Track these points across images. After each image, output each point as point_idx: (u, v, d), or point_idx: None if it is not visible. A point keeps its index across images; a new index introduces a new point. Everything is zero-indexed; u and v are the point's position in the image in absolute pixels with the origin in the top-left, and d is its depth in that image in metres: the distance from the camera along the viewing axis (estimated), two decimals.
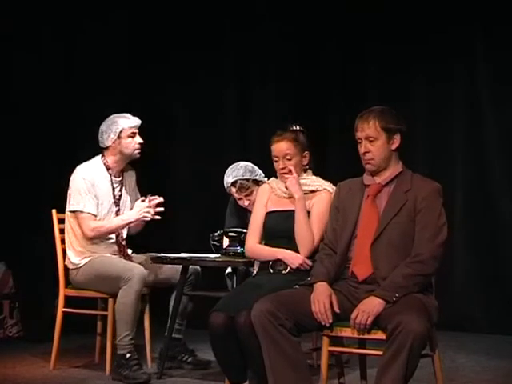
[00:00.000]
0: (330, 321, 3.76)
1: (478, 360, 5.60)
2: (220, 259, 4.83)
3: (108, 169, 5.23)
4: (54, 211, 5.36)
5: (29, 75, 6.50)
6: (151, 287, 5.23)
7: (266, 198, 4.46)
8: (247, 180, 5.05)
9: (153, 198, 5.14)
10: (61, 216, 5.37)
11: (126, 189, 5.30)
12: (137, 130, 5.22)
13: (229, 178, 5.10)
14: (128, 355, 4.94)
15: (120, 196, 5.26)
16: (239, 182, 5.06)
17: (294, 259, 4.27)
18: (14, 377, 5.17)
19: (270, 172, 4.67)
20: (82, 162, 5.22)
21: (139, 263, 5.13)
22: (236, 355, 4.21)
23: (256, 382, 4.19)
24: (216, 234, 5.05)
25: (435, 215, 3.82)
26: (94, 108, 6.76)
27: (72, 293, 5.29)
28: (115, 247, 5.21)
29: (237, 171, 5.09)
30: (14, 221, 6.40)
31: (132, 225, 5.24)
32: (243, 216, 5.11)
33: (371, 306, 3.68)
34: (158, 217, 5.15)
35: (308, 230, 4.26)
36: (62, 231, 5.36)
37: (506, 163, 6.68)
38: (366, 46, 7.13)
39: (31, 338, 6.36)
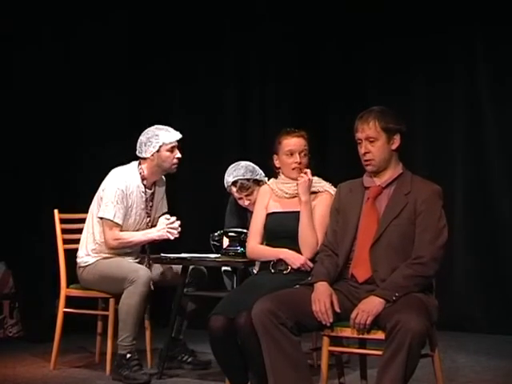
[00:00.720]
0: (331, 320, 3.76)
1: (478, 360, 5.60)
2: (220, 259, 4.84)
3: (143, 179, 5.18)
4: (55, 211, 5.37)
5: (29, 75, 6.50)
6: (160, 287, 5.22)
7: (267, 199, 4.46)
8: (248, 180, 5.05)
9: (170, 220, 5.13)
10: (62, 216, 5.37)
11: (155, 200, 5.28)
12: (176, 144, 5.17)
13: (229, 177, 5.10)
14: (128, 355, 4.95)
15: (151, 207, 5.24)
16: (240, 181, 5.06)
17: (295, 259, 4.28)
18: (14, 377, 5.17)
19: (270, 172, 4.67)
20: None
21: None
22: (237, 357, 4.21)
23: (256, 382, 4.19)
24: (216, 234, 5.06)
25: (435, 218, 3.82)
26: (94, 108, 6.78)
27: (73, 293, 5.30)
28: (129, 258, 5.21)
29: (238, 171, 5.09)
30: (14, 221, 6.39)
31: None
32: (243, 216, 5.11)
33: (371, 305, 3.68)
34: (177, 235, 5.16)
35: (312, 233, 4.26)
36: (63, 231, 5.37)
37: (506, 163, 6.68)
38: (366, 46, 7.13)
39: (31, 338, 6.37)
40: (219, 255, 4.89)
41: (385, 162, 3.92)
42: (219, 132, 7.32)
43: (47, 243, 5.77)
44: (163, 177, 5.32)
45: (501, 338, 6.39)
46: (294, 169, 4.40)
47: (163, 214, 5.24)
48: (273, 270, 4.34)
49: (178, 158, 5.18)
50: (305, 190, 4.32)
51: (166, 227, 5.12)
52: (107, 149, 6.61)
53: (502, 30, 6.64)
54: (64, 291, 5.30)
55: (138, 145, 5.19)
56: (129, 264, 5.10)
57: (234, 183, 5.07)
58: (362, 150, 3.92)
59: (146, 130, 5.20)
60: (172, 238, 5.13)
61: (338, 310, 3.77)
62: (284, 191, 4.42)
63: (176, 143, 5.17)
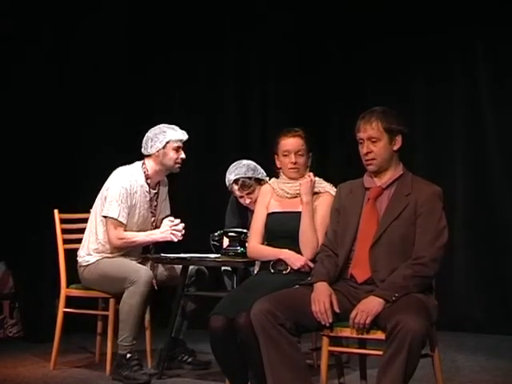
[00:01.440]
0: (330, 320, 3.76)
1: (478, 360, 5.60)
2: (220, 259, 4.84)
3: (147, 178, 5.19)
4: (56, 211, 5.37)
5: (29, 75, 6.50)
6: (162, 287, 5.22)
7: (268, 199, 4.47)
8: (249, 178, 5.06)
9: (174, 222, 5.15)
10: (62, 216, 5.37)
11: (159, 200, 5.29)
12: (182, 145, 5.19)
13: (231, 175, 5.11)
14: (128, 355, 4.95)
15: (155, 207, 5.25)
16: (241, 179, 5.07)
17: (296, 260, 4.28)
18: (14, 377, 5.17)
19: (271, 172, 4.67)
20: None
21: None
22: (236, 357, 4.21)
23: (256, 382, 4.19)
24: (216, 234, 5.06)
25: (436, 219, 3.82)
26: (94, 107, 6.78)
27: (73, 293, 5.30)
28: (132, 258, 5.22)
29: (239, 169, 5.10)
30: (14, 221, 6.39)
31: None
32: (244, 216, 5.11)
33: (370, 305, 3.68)
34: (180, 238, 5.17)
35: (313, 234, 4.27)
36: (63, 231, 5.37)
37: (506, 163, 6.68)
38: (365, 46, 7.13)
39: (31, 338, 6.37)
40: (219, 255, 4.89)
41: (386, 163, 3.92)
42: (219, 132, 7.32)
43: (47, 243, 5.77)
44: (165, 178, 5.33)
45: (501, 338, 6.39)
46: (290, 169, 4.42)
47: (166, 217, 5.25)
48: (272, 270, 4.34)
49: (182, 159, 5.19)
50: (307, 191, 4.32)
51: (170, 229, 5.12)
52: (107, 149, 6.61)
53: (502, 30, 6.64)
54: (64, 291, 5.30)
55: (143, 141, 5.19)
56: (130, 264, 5.10)
57: (236, 181, 5.08)
58: (363, 150, 3.92)
59: (153, 128, 5.21)
60: (175, 239, 5.14)
61: (337, 310, 3.77)
62: (285, 191, 4.43)
63: (181, 144, 5.18)
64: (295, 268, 4.27)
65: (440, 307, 3.83)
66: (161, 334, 5.25)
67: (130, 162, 5.25)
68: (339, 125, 7.14)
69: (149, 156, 5.18)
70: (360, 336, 3.74)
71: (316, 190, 4.38)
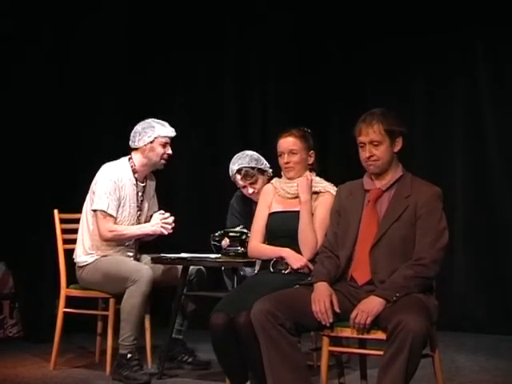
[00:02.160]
0: (331, 320, 3.76)
1: (478, 360, 5.60)
2: (220, 259, 4.84)
3: (134, 172, 5.21)
4: (55, 211, 5.37)
5: (29, 75, 6.50)
6: (158, 288, 5.22)
7: (270, 199, 4.48)
8: (252, 168, 5.09)
9: (164, 215, 5.16)
10: (62, 216, 5.37)
11: (146, 195, 5.30)
12: (169, 141, 5.22)
13: (234, 165, 5.13)
14: (129, 355, 4.94)
15: (142, 201, 5.26)
16: (244, 169, 5.09)
17: (296, 260, 4.28)
18: (14, 377, 5.17)
19: (272, 172, 4.67)
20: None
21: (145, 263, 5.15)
22: (237, 356, 4.21)
23: (256, 382, 4.19)
24: (216, 234, 5.05)
25: (436, 220, 3.82)
26: (94, 107, 6.77)
27: (73, 293, 5.30)
28: (128, 253, 5.21)
29: (242, 159, 5.12)
30: (14, 221, 6.39)
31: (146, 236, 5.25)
32: (248, 210, 5.09)
33: (371, 305, 3.68)
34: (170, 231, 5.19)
35: (312, 232, 4.27)
36: (63, 231, 5.37)
37: (506, 163, 6.69)
38: (365, 46, 7.13)
39: (31, 337, 6.37)
40: (219, 255, 4.89)
41: (388, 165, 3.92)
42: (219, 132, 7.32)
43: (47, 243, 5.77)
44: (152, 175, 5.34)
45: (501, 338, 6.39)
46: (285, 168, 4.45)
47: (155, 212, 5.26)
48: (272, 269, 4.34)
49: (168, 155, 5.22)
50: (304, 190, 4.32)
51: (160, 222, 5.14)
52: (107, 149, 6.60)
53: (502, 30, 6.65)
54: (64, 291, 5.30)
55: (132, 134, 5.24)
56: (130, 263, 5.10)
57: (239, 171, 5.11)
58: (365, 154, 3.90)
59: (142, 121, 5.24)
60: (166, 233, 5.16)
61: (337, 310, 3.77)
62: (286, 191, 4.43)
63: (169, 140, 5.21)
64: (295, 268, 4.26)
65: (440, 307, 3.83)
66: (161, 334, 5.25)
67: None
68: (339, 125, 7.14)
69: (136, 149, 5.22)
70: (360, 336, 3.74)
71: (316, 189, 4.38)
